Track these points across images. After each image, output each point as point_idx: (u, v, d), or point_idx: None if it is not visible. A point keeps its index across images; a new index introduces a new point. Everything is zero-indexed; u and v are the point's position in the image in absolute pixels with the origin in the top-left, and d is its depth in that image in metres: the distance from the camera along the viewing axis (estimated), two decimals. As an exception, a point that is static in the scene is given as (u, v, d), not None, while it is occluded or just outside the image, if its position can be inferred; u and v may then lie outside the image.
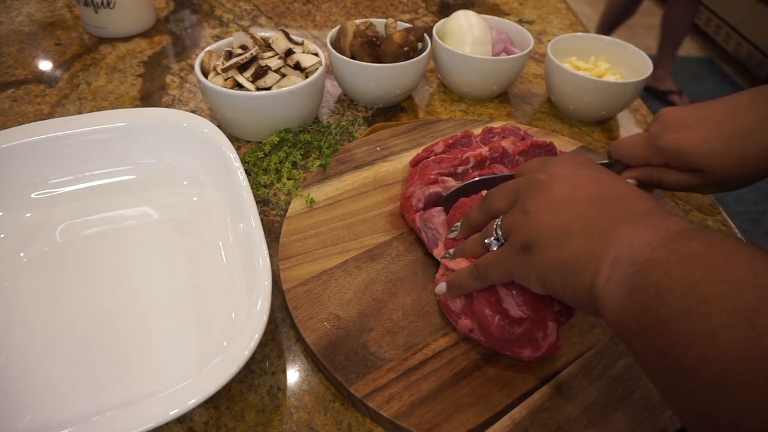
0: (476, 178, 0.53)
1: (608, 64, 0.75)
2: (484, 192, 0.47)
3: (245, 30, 0.85)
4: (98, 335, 0.45)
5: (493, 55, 0.75)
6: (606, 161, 0.58)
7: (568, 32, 0.96)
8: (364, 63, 0.68)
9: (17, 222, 0.52)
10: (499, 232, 0.40)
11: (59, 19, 0.90)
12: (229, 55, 0.64)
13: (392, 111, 0.75)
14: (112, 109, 0.65)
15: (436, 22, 0.78)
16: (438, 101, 0.77)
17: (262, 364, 0.45)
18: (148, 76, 0.78)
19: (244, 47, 0.65)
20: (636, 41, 0.76)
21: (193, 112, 0.72)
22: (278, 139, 0.63)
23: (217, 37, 0.88)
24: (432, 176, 0.54)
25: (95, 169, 0.56)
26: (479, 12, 0.77)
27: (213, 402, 0.42)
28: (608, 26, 2.45)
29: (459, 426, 0.39)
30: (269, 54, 0.64)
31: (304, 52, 0.67)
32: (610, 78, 0.72)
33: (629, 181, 0.56)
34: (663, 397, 0.30)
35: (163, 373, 0.43)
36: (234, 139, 0.67)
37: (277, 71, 0.63)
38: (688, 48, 2.89)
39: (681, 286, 0.28)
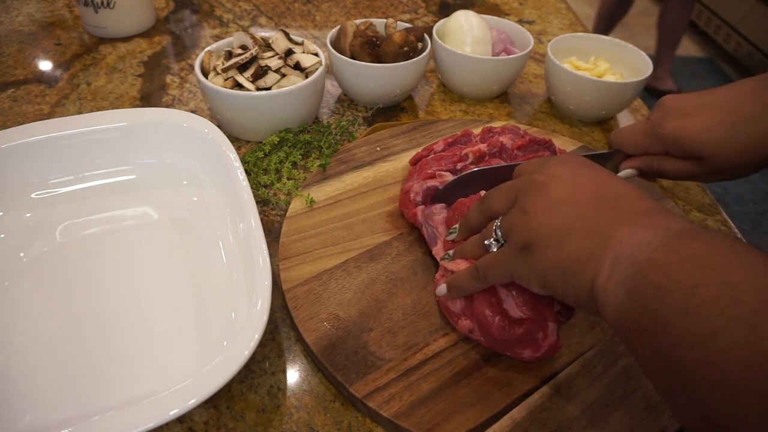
0: (478, 168, 0.53)
1: (608, 64, 0.75)
2: (482, 193, 0.47)
3: (245, 30, 0.85)
4: (98, 335, 0.45)
5: (493, 55, 0.75)
6: (606, 151, 0.57)
7: (568, 32, 0.96)
8: (364, 63, 0.68)
9: (17, 222, 0.52)
10: (499, 233, 0.40)
11: (59, 19, 0.90)
12: (229, 55, 0.64)
13: (392, 111, 0.75)
14: (112, 109, 0.65)
15: (436, 22, 0.78)
16: (438, 101, 0.77)
17: (262, 364, 0.45)
18: (148, 76, 0.78)
19: (244, 47, 0.65)
20: (635, 41, 0.76)
21: (193, 112, 0.72)
22: (278, 139, 0.63)
23: (217, 37, 0.88)
24: (430, 171, 0.54)
25: (95, 169, 0.56)
26: (479, 12, 0.77)
27: (213, 402, 0.42)
28: (604, 26, 2.44)
29: (459, 426, 0.39)
30: (269, 54, 0.64)
31: (304, 52, 0.67)
32: (610, 78, 0.72)
33: (629, 170, 0.56)
34: (662, 397, 0.30)
35: (163, 373, 0.43)
36: (234, 139, 0.67)
37: (277, 71, 0.63)
38: (688, 48, 2.89)
39: (681, 287, 0.28)
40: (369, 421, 0.42)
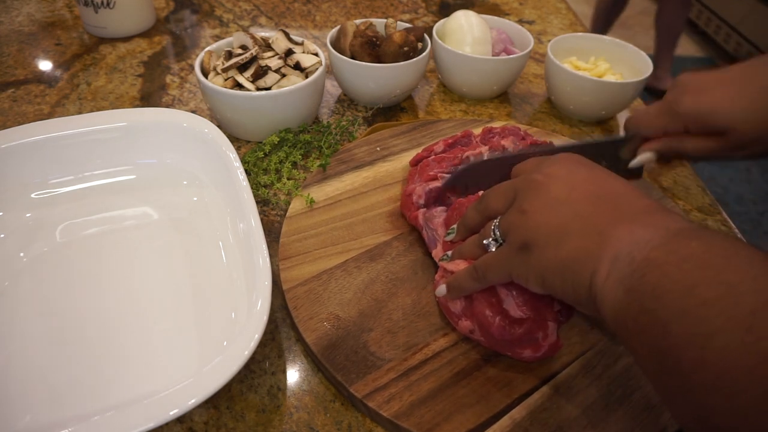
0: (484, 158, 0.53)
1: (608, 64, 0.75)
2: (481, 192, 0.47)
3: (245, 30, 0.85)
4: (98, 335, 0.45)
5: (493, 55, 0.75)
6: (622, 136, 0.55)
7: (568, 32, 0.96)
8: (364, 63, 0.68)
9: (17, 222, 0.52)
10: (497, 233, 0.40)
11: (59, 19, 0.90)
12: (229, 55, 0.64)
13: (392, 111, 0.75)
14: (112, 109, 0.65)
15: (436, 22, 0.78)
16: (438, 101, 0.77)
17: (262, 364, 0.45)
18: (148, 76, 0.78)
19: (244, 47, 0.65)
20: (635, 41, 0.76)
21: (193, 112, 0.72)
22: (278, 139, 0.63)
23: (217, 37, 0.88)
24: (432, 174, 0.54)
25: (95, 169, 0.56)
26: (479, 12, 0.77)
27: (213, 402, 0.42)
28: (601, 25, 2.44)
29: (459, 426, 0.39)
30: (269, 54, 0.64)
31: (304, 52, 0.67)
32: (610, 78, 0.72)
33: (648, 153, 0.53)
34: (660, 397, 0.30)
35: (163, 373, 0.43)
36: (234, 139, 0.67)
37: (277, 71, 0.63)
38: (688, 48, 2.89)
39: (679, 287, 0.28)
40: (369, 421, 0.42)
